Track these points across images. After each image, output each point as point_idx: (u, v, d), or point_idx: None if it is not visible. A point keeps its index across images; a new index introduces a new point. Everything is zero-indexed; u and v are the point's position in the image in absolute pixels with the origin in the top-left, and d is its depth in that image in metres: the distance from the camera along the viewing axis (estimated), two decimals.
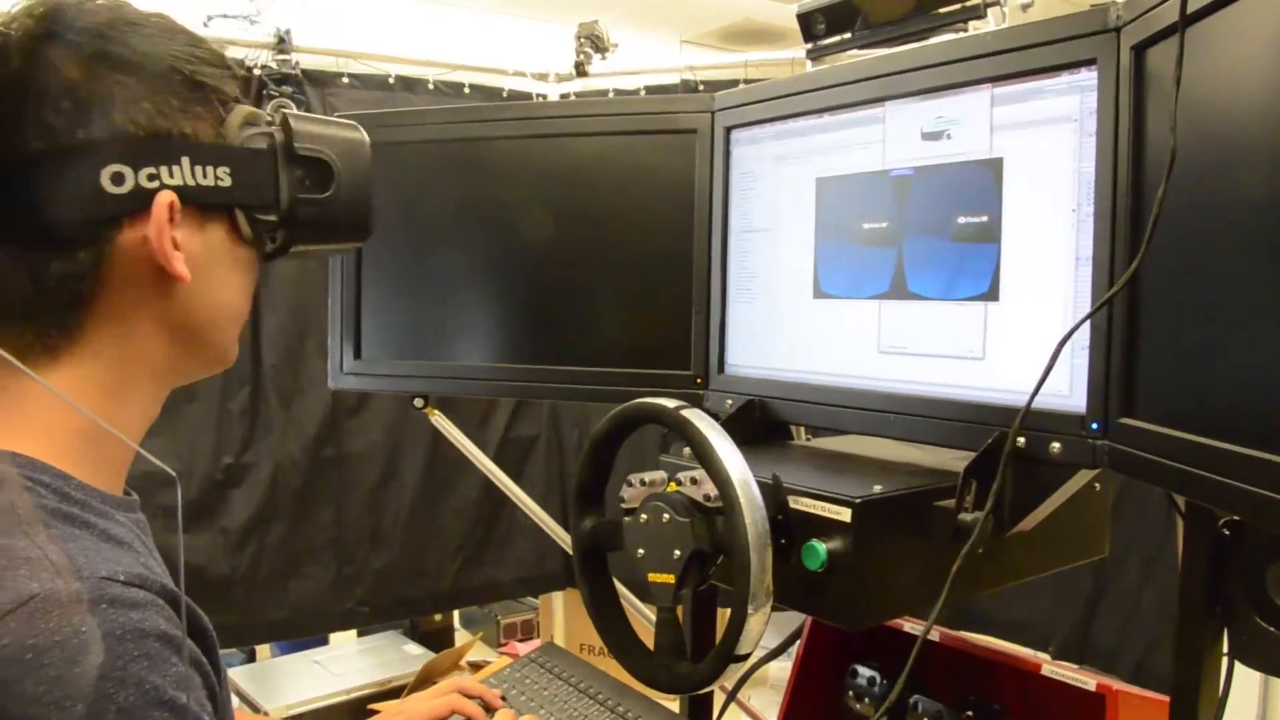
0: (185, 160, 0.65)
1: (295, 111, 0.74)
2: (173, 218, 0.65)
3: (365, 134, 0.78)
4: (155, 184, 0.64)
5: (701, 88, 2.79)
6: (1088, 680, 1.13)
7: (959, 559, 0.92)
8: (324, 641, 2.89)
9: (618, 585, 1.14)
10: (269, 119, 0.72)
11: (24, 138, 0.61)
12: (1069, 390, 0.96)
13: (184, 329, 0.70)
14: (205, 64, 0.69)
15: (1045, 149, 0.99)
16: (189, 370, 0.74)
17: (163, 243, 0.65)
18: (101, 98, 0.63)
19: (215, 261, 0.70)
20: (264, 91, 2.30)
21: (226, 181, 0.68)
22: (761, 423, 1.28)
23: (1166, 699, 0.95)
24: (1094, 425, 0.93)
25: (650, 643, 1.05)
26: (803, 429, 1.36)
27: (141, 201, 0.64)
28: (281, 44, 2.42)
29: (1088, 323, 0.93)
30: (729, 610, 0.95)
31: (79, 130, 0.62)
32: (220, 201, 0.68)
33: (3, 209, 0.61)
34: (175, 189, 0.65)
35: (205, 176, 0.67)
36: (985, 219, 1.04)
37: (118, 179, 0.63)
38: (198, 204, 0.67)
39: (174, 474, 0.56)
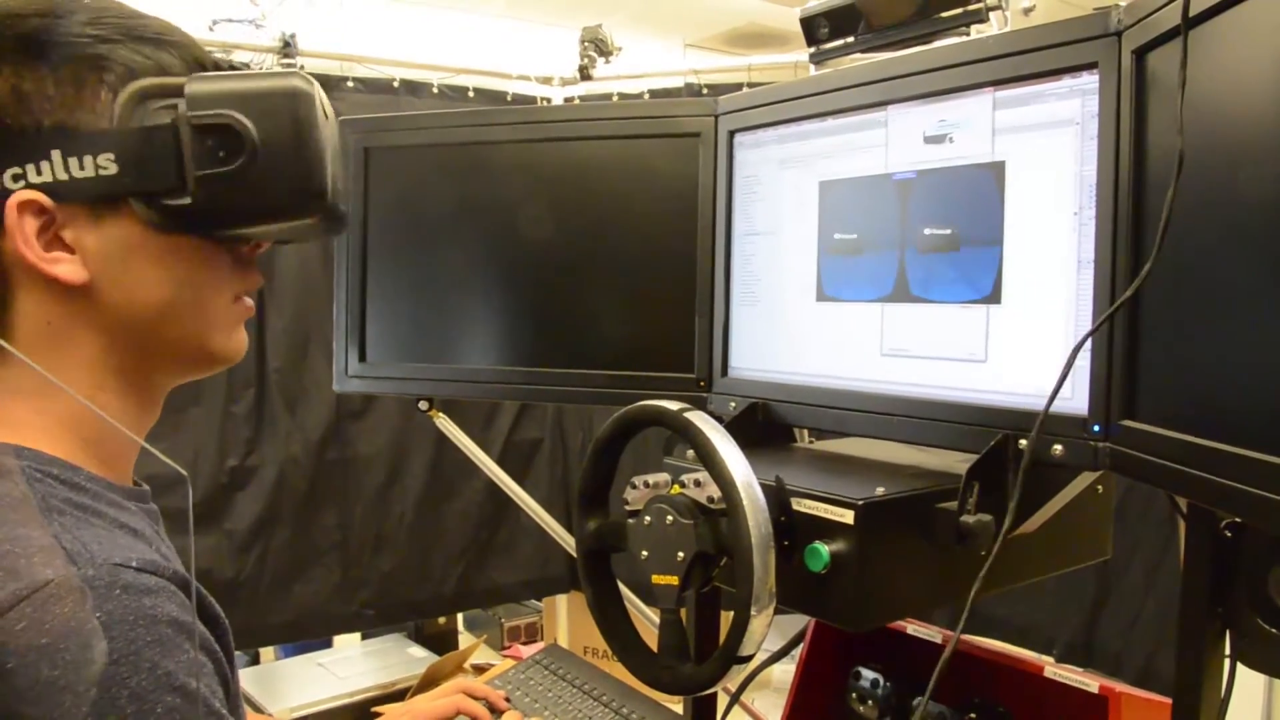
0: (56, 154, 0.59)
1: (205, 72, 0.64)
2: (54, 218, 0.60)
3: (305, 84, 0.64)
4: (20, 184, 0.59)
5: (705, 91, 2.80)
6: (1090, 682, 1.13)
7: (985, 565, 0.90)
8: (328, 644, 2.90)
9: (621, 587, 1.14)
10: (179, 87, 0.62)
11: None
12: (1071, 392, 0.96)
13: (126, 330, 0.65)
14: (100, 41, 0.61)
15: (1047, 152, 0.99)
16: (175, 370, 0.70)
17: (21, 247, 0.60)
18: None
19: (126, 256, 0.63)
20: None
21: (111, 169, 0.60)
22: (764, 425, 1.28)
23: (1169, 701, 0.95)
24: (1096, 427, 0.93)
25: (654, 644, 1.06)
26: (805, 431, 1.36)
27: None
28: (286, 48, 2.43)
29: (1086, 322, 0.93)
30: (732, 612, 0.95)
31: None
32: (106, 192, 0.61)
33: None
34: (43, 186, 0.59)
35: (83, 168, 0.60)
36: (987, 222, 1.04)
37: None
38: (81, 199, 0.61)
39: (184, 472, 0.56)
